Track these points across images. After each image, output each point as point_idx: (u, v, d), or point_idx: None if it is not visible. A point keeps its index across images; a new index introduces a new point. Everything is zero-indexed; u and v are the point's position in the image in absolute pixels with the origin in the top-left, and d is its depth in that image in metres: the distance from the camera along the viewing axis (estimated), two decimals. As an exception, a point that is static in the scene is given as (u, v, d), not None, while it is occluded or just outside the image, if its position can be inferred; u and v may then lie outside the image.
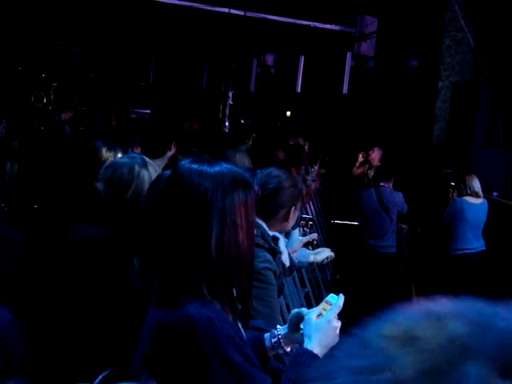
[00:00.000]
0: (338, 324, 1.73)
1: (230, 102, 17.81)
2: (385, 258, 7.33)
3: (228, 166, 1.64)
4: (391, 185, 7.34)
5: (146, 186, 2.53)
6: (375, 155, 9.38)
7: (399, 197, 7.33)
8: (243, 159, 4.23)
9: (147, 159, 2.73)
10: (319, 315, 1.73)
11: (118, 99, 19.31)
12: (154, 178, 2.61)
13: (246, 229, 1.58)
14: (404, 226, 9.26)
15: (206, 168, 1.57)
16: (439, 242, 8.51)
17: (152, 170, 2.66)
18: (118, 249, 2.36)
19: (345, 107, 13.02)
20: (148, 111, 18.80)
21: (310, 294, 5.66)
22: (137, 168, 2.59)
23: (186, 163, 1.61)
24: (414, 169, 9.97)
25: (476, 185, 7.04)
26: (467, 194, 7.05)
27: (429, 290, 8.38)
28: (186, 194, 1.55)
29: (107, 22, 13.74)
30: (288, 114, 17.01)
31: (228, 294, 1.55)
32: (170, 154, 4.19)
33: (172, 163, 3.81)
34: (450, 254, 7.15)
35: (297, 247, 2.92)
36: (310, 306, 5.18)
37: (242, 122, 16.49)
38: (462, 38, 9.99)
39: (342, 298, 1.77)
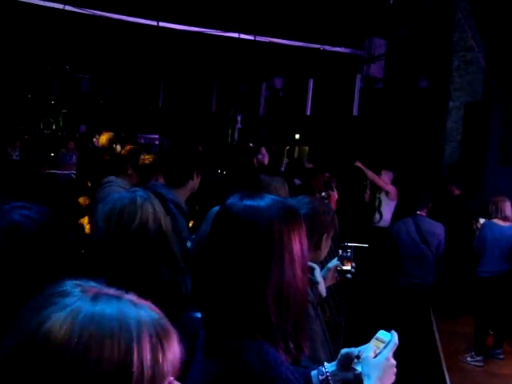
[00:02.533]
0: (395, 362, 1.70)
1: (239, 125, 17.88)
2: (420, 296, 6.75)
3: (277, 199, 1.58)
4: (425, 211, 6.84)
5: (151, 216, 2.43)
6: (383, 178, 9.42)
7: (440, 228, 6.71)
8: (281, 188, 4.11)
9: (155, 190, 2.63)
10: (374, 354, 1.71)
11: (126, 125, 19.41)
12: (159, 208, 2.53)
13: (301, 264, 1.53)
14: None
15: (258, 204, 1.52)
16: (453, 265, 8.44)
17: (157, 201, 2.55)
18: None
19: (355, 129, 13.01)
20: (157, 136, 18.86)
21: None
22: (139, 200, 2.49)
23: (236, 200, 1.56)
24: (427, 189, 9.92)
25: (508, 209, 6.95)
26: (497, 217, 6.97)
27: (447, 312, 8.30)
28: (242, 234, 1.48)
29: (116, 47, 13.84)
30: (297, 136, 17.02)
31: (283, 335, 1.49)
32: (192, 183, 4.07)
33: (201, 192, 3.71)
34: (478, 276, 7.03)
35: (331, 276, 2.84)
36: (330, 333, 5.11)
37: (251, 145, 16.49)
38: (471, 58, 10.00)
39: (395, 335, 1.73)
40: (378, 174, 9.52)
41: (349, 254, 2.88)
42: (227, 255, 1.49)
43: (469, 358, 6.88)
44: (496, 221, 6.93)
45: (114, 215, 2.43)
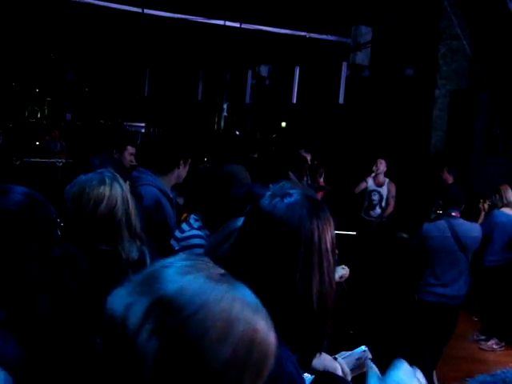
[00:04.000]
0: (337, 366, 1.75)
1: (225, 113, 17.84)
2: (452, 312, 5.79)
3: (305, 194, 1.54)
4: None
5: (119, 199, 2.52)
6: (383, 168, 9.19)
7: (477, 231, 5.79)
8: (246, 177, 4.12)
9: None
10: None
11: (112, 113, 19.31)
12: (124, 190, 2.58)
13: (333, 261, 1.49)
14: (404, 236, 9.23)
15: (290, 201, 1.48)
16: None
17: (122, 182, 2.62)
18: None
19: (341, 117, 13.01)
20: (143, 124, 18.79)
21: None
22: (107, 181, 2.55)
23: (267, 200, 1.50)
24: (414, 178, 9.96)
25: (511, 196, 6.95)
26: (503, 205, 6.95)
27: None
28: (286, 237, 1.43)
29: (101, 36, 13.72)
30: (283, 124, 17.01)
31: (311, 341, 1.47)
32: (178, 171, 4.06)
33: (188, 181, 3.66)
34: (486, 265, 7.02)
35: None
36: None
37: (238, 133, 16.47)
38: (457, 46, 10.01)
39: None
40: (373, 162, 9.38)
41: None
42: (266, 258, 1.44)
43: (495, 346, 6.99)
44: (505, 209, 6.91)
45: (83, 196, 2.52)
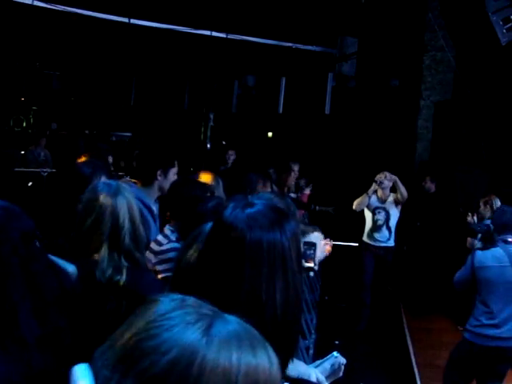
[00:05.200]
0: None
1: (212, 123, 17.82)
2: (504, 355, 4.99)
3: (269, 204, 1.52)
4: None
5: (107, 215, 2.49)
6: (389, 182, 8.07)
7: None
8: (217, 186, 4.12)
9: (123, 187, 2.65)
10: None
11: (98, 122, 19.23)
12: (128, 206, 2.56)
13: (299, 274, 1.47)
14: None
15: (253, 211, 1.45)
16: (426, 260, 8.52)
17: (127, 197, 2.59)
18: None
19: (327, 127, 13.06)
20: (129, 134, 18.72)
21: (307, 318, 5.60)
22: (102, 196, 2.52)
23: (229, 210, 1.48)
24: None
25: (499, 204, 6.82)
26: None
27: (418, 310, 8.38)
28: (248, 248, 1.41)
29: (87, 45, 13.69)
30: (270, 134, 17.02)
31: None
32: (158, 182, 4.03)
33: (175, 191, 3.64)
34: None
35: None
36: (302, 332, 5.12)
37: (224, 143, 16.48)
38: (442, 58, 10.10)
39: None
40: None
41: (312, 251, 2.88)
42: (225, 268, 1.42)
43: None
44: None
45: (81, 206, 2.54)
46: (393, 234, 8.03)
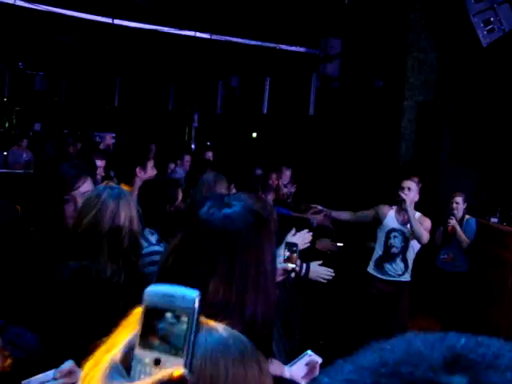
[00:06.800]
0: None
1: (196, 124, 17.82)
2: None
3: (247, 206, 1.50)
4: None
5: (108, 216, 2.50)
6: (415, 194, 6.08)
7: None
8: (222, 183, 4.11)
9: (126, 192, 2.67)
10: None
11: (82, 123, 19.15)
12: (129, 209, 2.57)
13: (272, 275, 1.46)
14: (373, 245, 9.26)
15: (228, 212, 1.44)
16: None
17: (129, 200, 2.60)
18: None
19: (311, 128, 13.10)
20: (113, 135, 18.65)
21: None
22: (103, 197, 2.53)
23: (206, 209, 1.46)
24: (382, 188, 10.04)
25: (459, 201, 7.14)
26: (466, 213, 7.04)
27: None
28: (221, 248, 1.39)
29: (71, 45, 13.63)
30: (254, 135, 17.05)
31: None
32: (139, 180, 4.03)
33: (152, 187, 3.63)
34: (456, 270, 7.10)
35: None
36: (285, 331, 5.13)
37: (208, 143, 16.48)
38: (424, 59, 10.16)
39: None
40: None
41: (294, 252, 2.87)
42: (202, 266, 1.40)
43: None
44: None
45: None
46: (409, 268, 6.13)
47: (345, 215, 6.60)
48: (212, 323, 0.87)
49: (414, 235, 5.84)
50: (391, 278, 6.12)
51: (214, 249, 1.39)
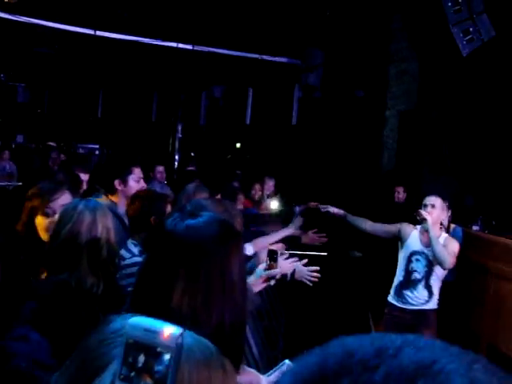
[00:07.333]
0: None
1: (179, 134, 17.80)
2: None
3: (215, 216, 1.52)
4: None
5: (85, 228, 2.50)
6: (441, 211, 5.54)
7: None
8: (202, 194, 4.11)
9: (105, 203, 2.69)
10: None
11: (65, 135, 19.07)
12: (105, 219, 2.58)
13: (242, 286, 1.47)
14: (357, 254, 9.29)
15: (196, 222, 1.45)
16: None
17: (105, 210, 2.61)
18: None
19: (294, 138, 13.14)
20: (97, 146, 18.60)
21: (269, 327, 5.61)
22: (79, 209, 2.54)
23: (174, 220, 1.47)
24: (365, 197, 10.08)
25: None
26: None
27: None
28: (185, 258, 1.40)
29: (53, 57, 13.59)
30: (238, 145, 17.07)
31: None
32: (121, 192, 4.02)
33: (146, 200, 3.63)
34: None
35: (256, 282, 2.86)
36: (268, 340, 5.13)
37: (192, 154, 16.48)
38: (406, 68, 10.24)
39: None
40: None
41: (275, 259, 2.90)
42: (167, 275, 1.40)
43: None
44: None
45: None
46: (435, 295, 5.41)
47: (362, 223, 5.98)
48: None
49: (436, 259, 5.17)
50: (412, 307, 5.41)
51: (177, 258, 1.40)
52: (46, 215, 2.99)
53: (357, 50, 10.62)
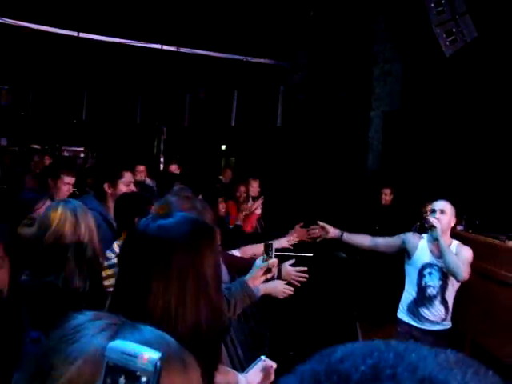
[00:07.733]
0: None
1: (164, 136, 17.78)
2: None
3: (189, 216, 1.54)
4: None
5: (68, 228, 2.52)
6: (449, 218, 4.93)
7: None
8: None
9: (80, 203, 2.69)
10: None
11: (50, 137, 18.97)
12: (87, 219, 2.59)
13: (217, 285, 1.46)
14: (343, 255, 9.29)
15: (169, 222, 1.46)
16: (380, 271, 8.60)
17: (82, 213, 2.61)
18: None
19: (279, 139, 13.15)
20: (82, 149, 18.52)
21: (255, 329, 5.60)
22: (60, 210, 2.54)
23: (147, 221, 1.48)
24: (351, 198, 10.11)
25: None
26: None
27: (373, 321, 8.45)
28: (157, 259, 1.40)
29: (36, 59, 13.51)
30: (223, 147, 17.06)
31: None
32: (110, 195, 4.03)
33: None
34: None
35: (257, 274, 2.88)
36: (254, 342, 5.12)
37: (178, 156, 16.43)
38: (390, 69, 10.28)
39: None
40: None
41: (270, 253, 2.98)
42: (141, 275, 1.40)
43: None
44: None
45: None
46: (450, 311, 4.95)
47: (361, 240, 5.33)
48: (137, 324, 0.89)
49: (449, 270, 4.69)
50: (431, 328, 4.91)
51: (149, 258, 1.40)
52: (27, 225, 2.99)
53: (341, 52, 10.65)
